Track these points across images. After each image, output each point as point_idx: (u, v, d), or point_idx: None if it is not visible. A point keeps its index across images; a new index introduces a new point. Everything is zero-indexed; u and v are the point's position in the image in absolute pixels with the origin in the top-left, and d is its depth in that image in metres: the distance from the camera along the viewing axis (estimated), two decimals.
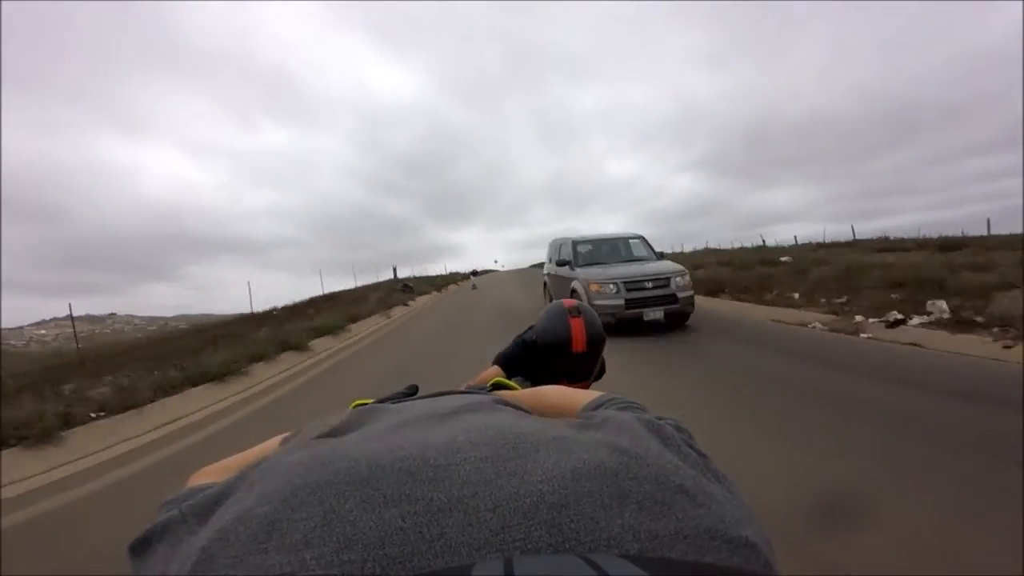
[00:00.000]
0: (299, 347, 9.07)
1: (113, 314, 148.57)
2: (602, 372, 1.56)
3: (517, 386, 0.72)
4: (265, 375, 7.51)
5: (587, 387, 1.40)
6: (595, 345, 1.37)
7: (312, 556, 0.25)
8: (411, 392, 0.67)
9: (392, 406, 0.47)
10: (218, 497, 0.33)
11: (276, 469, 0.33)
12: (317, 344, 9.73)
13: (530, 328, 1.49)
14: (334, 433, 0.40)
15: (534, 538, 0.26)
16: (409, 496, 0.28)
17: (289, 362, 8.32)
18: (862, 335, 6.06)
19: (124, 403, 5.47)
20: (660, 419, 0.39)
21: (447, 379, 7.11)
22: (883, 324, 6.15)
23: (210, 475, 0.45)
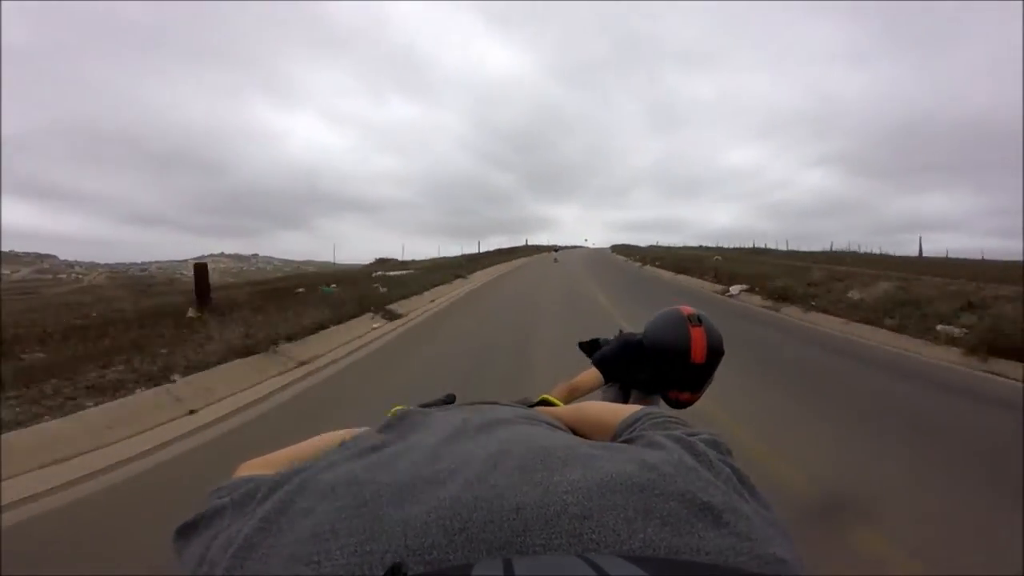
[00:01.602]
0: (526, 254, 33.49)
1: (256, 255, 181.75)
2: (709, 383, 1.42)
3: (560, 403, 0.74)
4: (523, 259, 30.71)
5: (697, 399, 1.39)
6: (714, 357, 1.32)
7: (337, 546, 0.27)
8: (449, 401, 0.68)
9: (431, 415, 0.49)
10: (267, 488, 0.35)
11: (319, 467, 0.36)
12: (531, 256, 37.85)
13: (613, 340, 1.47)
14: (377, 440, 0.42)
15: (554, 546, 0.26)
16: (437, 495, 0.30)
17: (528, 257, 32.07)
18: None
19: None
20: (695, 434, 0.40)
21: (564, 266, 27.08)
22: None
23: (256, 467, 0.48)
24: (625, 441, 0.42)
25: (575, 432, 0.51)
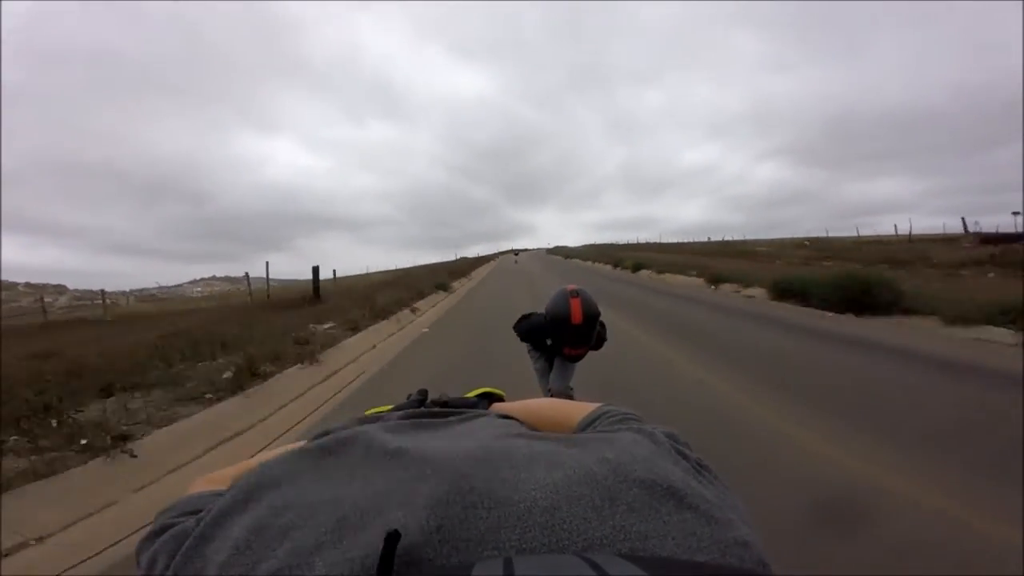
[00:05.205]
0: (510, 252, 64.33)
1: (246, 275, 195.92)
2: (601, 342, 1.95)
3: (503, 394, 0.76)
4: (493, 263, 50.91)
5: (586, 352, 1.90)
6: (590, 318, 1.77)
7: (320, 559, 0.28)
8: (422, 398, 0.68)
9: (394, 417, 0.50)
10: (230, 507, 0.34)
11: (284, 478, 0.36)
12: (505, 254, 61.52)
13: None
14: (340, 443, 0.42)
15: (528, 538, 0.27)
16: (410, 493, 0.31)
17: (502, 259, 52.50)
18: None
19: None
20: (652, 429, 0.40)
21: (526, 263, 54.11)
22: None
23: (213, 482, 0.47)
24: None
25: (532, 429, 0.50)
